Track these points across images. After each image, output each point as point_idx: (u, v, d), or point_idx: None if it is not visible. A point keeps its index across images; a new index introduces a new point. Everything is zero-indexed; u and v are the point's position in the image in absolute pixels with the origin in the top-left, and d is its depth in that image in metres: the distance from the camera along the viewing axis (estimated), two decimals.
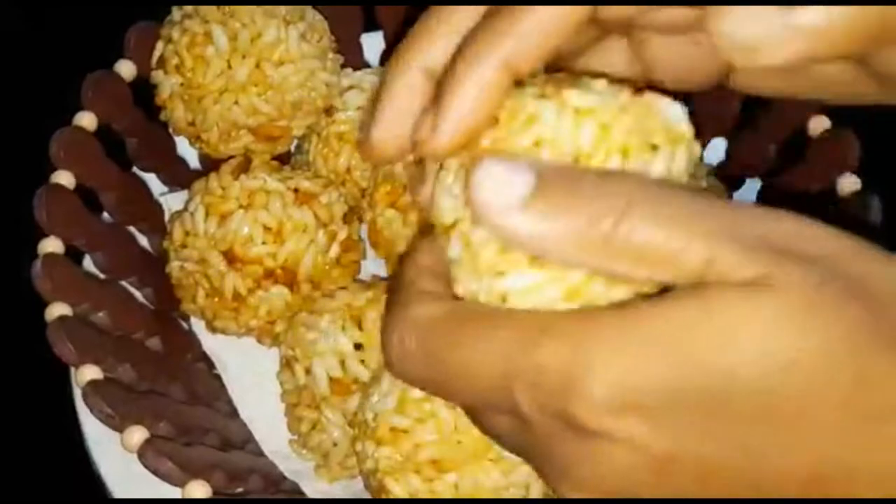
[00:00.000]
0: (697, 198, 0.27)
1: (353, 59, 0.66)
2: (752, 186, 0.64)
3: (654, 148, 0.30)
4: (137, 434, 0.48)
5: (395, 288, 0.32)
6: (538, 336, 0.28)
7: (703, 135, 0.60)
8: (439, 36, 0.32)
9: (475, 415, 0.32)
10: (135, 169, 0.63)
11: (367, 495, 0.51)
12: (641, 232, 0.27)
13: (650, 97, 0.31)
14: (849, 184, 0.57)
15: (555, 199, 0.27)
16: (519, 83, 0.31)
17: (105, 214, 0.60)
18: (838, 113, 0.59)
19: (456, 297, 0.31)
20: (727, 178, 0.62)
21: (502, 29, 0.31)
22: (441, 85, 0.31)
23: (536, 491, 0.48)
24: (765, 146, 0.62)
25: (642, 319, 0.27)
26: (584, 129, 0.30)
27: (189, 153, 0.64)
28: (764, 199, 0.61)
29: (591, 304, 0.28)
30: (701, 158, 0.32)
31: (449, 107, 0.30)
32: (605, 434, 0.27)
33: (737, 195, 0.63)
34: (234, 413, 0.57)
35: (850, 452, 0.27)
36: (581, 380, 0.27)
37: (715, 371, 0.26)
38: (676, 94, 0.32)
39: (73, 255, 0.55)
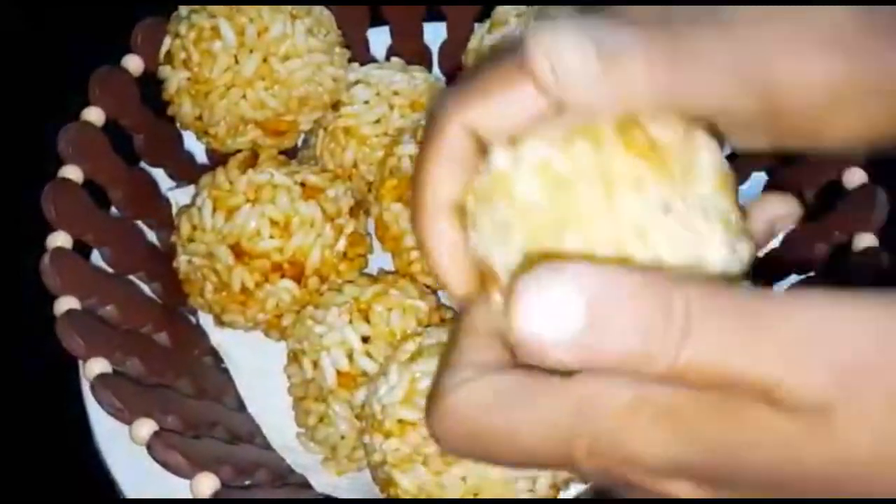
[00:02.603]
0: (758, 307, 0.26)
1: (359, 53, 0.66)
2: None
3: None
4: (146, 427, 0.49)
5: (449, 352, 0.31)
6: (590, 407, 0.28)
7: (743, 169, 0.59)
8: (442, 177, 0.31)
9: None
10: (142, 164, 0.63)
11: (374, 488, 0.51)
12: (701, 362, 0.26)
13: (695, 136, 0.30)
14: (865, 241, 0.55)
15: (607, 333, 0.26)
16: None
17: (113, 209, 0.60)
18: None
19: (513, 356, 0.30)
20: None
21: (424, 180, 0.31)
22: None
23: (543, 484, 0.48)
24: (802, 188, 0.60)
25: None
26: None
27: (196, 148, 0.64)
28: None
29: None
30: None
31: (437, 271, 0.31)
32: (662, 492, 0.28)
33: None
34: (241, 407, 0.58)
35: None
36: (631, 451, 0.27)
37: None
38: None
39: (81, 249, 0.55)
